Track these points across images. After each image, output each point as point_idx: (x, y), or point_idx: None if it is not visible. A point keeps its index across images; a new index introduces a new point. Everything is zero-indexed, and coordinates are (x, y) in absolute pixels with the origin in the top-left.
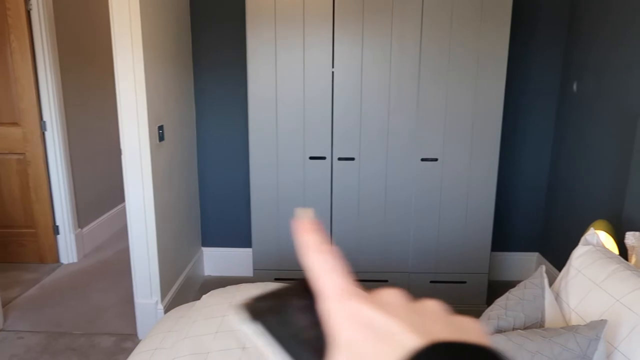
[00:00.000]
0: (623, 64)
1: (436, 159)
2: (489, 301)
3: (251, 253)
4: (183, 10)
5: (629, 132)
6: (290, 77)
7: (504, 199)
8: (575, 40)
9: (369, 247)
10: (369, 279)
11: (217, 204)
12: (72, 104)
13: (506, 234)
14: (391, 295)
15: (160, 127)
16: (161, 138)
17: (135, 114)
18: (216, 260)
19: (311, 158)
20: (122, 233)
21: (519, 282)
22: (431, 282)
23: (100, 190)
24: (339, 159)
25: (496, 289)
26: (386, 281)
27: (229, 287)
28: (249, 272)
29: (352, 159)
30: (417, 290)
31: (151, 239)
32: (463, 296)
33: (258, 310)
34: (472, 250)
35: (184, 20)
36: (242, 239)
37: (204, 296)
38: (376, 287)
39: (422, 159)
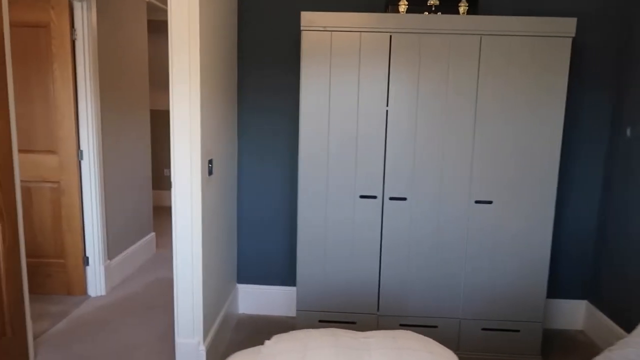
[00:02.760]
0: None
1: (491, 202)
2: (544, 352)
3: (289, 291)
4: (232, 48)
5: None
6: (344, 113)
7: (552, 244)
8: (627, 85)
9: (419, 291)
10: (418, 324)
11: (255, 239)
12: (107, 133)
13: (554, 280)
14: None
15: (210, 161)
16: (210, 172)
17: (189, 148)
18: (251, 297)
19: (362, 197)
20: (148, 266)
21: (572, 331)
22: (483, 329)
23: (128, 221)
24: (391, 198)
25: (549, 338)
26: (436, 327)
27: (295, 333)
28: (286, 311)
29: (404, 199)
30: (468, 338)
31: (197, 274)
32: (516, 346)
33: None
34: (525, 297)
35: (232, 57)
36: (280, 276)
37: (268, 342)
38: (426, 332)
39: (476, 202)
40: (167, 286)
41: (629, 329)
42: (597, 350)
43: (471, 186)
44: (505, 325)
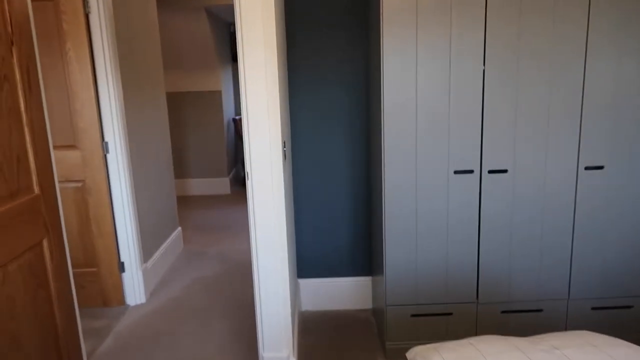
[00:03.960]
0: None
1: (602, 167)
2: None
3: (360, 282)
4: (283, 18)
5: None
6: (434, 75)
7: None
8: None
9: (522, 273)
10: (521, 309)
11: (314, 228)
12: (131, 120)
13: None
14: None
15: (284, 145)
16: (284, 157)
17: (268, 133)
18: (314, 292)
19: (456, 172)
20: (180, 265)
21: None
22: (593, 308)
23: (159, 217)
24: (490, 171)
25: None
26: (541, 310)
27: (505, 338)
28: (358, 303)
29: (505, 171)
30: (577, 319)
31: (283, 280)
32: (628, 323)
33: None
34: (638, 269)
35: (283, 26)
36: (349, 267)
37: (472, 339)
38: (530, 317)
39: (586, 168)
40: (206, 287)
41: None
42: None
43: (580, 151)
44: (618, 302)
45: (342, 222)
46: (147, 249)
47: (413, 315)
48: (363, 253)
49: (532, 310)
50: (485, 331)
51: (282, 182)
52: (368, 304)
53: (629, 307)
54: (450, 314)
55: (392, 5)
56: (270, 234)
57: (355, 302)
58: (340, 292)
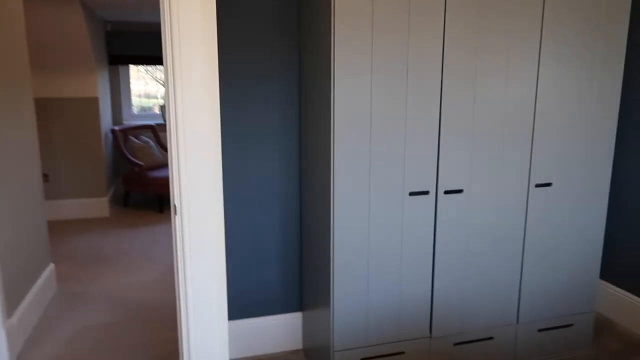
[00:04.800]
0: None
1: (550, 184)
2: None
3: (291, 320)
4: None
5: None
6: (389, 92)
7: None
8: None
9: (475, 301)
10: (473, 340)
11: (241, 262)
12: None
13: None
14: None
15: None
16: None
17: (208, 151)
18: (239, 336)
19: (412, 194)
20: (55, 310)
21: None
22: (539, 330)
23: (25, 255)
24: (446, 192)
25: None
26: (492, 338)
27: None
28: (291, 343)
29: (460, 190)
30: (525, 343)
31: (219, 322)
32: (569, 339)
33: None
34: (579, 286)
35: None
36: (274, 304)
37: None
38: (482, 346)
39: (537, 185)
40: (96, 340)
41: None
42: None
43: (532, 168)
44: (561, 321)
45: (271, 254)
46: (12, 299)
47: (364, 359)
48: (293, 286)
49: (484, 339)
50: None
51: (222, 213)
52: (299, 344)
53: (570, 325)
54: (402, 352)
55: (345, 19)
56: (208, 284)
57: (285, 343)
58: (269, 333)
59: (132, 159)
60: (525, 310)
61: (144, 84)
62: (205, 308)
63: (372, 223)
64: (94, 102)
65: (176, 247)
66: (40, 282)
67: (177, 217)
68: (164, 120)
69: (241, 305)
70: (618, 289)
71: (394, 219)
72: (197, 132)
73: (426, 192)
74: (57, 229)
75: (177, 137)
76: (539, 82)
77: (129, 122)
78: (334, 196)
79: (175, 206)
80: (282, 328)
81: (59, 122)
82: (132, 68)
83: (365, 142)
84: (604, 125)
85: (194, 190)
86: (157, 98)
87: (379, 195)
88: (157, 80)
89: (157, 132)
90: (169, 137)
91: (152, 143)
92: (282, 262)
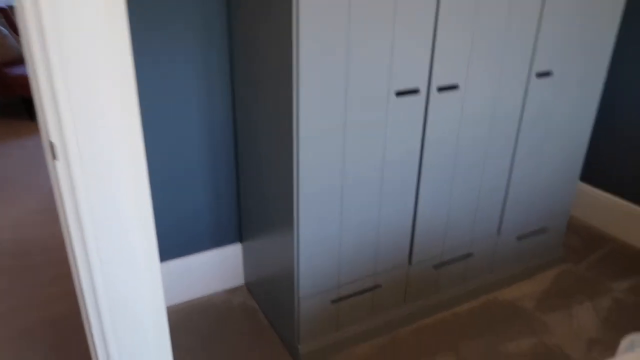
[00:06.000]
0: None
1: (549, 73)
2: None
3: (230, 253)
4: None
5: None
6: None
7: None
8: None
9: (458, 219)
10: (453, 258)
11: (163, 187)
12: None
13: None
14: None
15: None
16: None
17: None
18: (171, 280)
19: (399, 94)
20: None
21: None
22: (518, 238)
23: None
24: (439, 89)
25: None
26: (471, 254)
27: None
28: (232, 280)
29: (455, 87)
30: (504, 253)
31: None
32: (546, 245)
33: None
34: (559, 187)
35: None
36: (210, 236)
37: None
38: (462, 264)
39: (538, 74)
40: None
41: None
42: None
43: (535, 54)
44: (537, 225)
45: (198, 176)
46: None
47: (334, 301)
48: (229, 216)
49: (463, 256)
50: (416, 296)
51: (141, 145)
52: (240, 279)
53: (545, 229)
54: (379, 286)
55: None
56: (121, 235)
57: (225, 281)
58: (205, 272)
59: None
60: (509, 218)
61: None
62: (122, 251)
63: (348, 134)
64: None
65: (63, 204)
66: None
67: (60, 164)
68: None
69: (168, 245)
70: (595, 189)
71: (376, 128)
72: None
73: (416, 91)
74: None
75: (40, 16)
76: None
77: None
78: (299, 104)
79: (53, 145)
80: (219, 264)
81: None
82: None
83: (340, 29)
84: (609, 9)
85: (87, 118)
86: None
87: (357, 99)
88: None
89: (10, 15)
90: (20, 21)
91: (5, 31)
92: (212, 189)
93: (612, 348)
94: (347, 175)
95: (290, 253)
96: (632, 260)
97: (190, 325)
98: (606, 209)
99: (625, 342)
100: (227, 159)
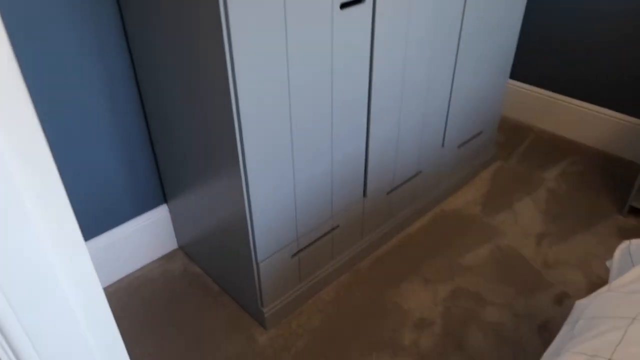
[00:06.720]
0: None
1: None
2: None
3: (155, 219)
4: None
5: None
6: None
7: None
8: None
9: (409, 135)
10: (403, 182)
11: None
12: None
13: None
14: None
15: None
16: None
17: None
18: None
19: (343, 6)
20: None
21: None
22: (459, 146)
23: None
24: None
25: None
26: (419, 172)
27: None
28: (164, 246)
29: None
30: (447, 162)
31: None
32: (483, 147)
33: None
34: (491, 89)
35: None
36: (131, 204)
37: None
38: (411, 184)
39: None
40: None
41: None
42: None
43: None
44: (474, 131)
45: (104, 141)
46: None
47: (294, 255)
48: (148, 176)
49: (413, 176)
50: (372, 226)
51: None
52: (173, 243)
53: (480, 133)
54: (337, 227)
55: None
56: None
57: (158, 247)
58: (133, 242)
59: None
60: (451, 128)
61: None
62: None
63: (291, 58)
64: None
65: None
66: None
67: None
68: None
69: (85, 223)
70: (517, 83)
71: (321, 47)
72: None
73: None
74: None
75: None
76: None
77: None
78: (230, 28)
79: None
80: (148, 231)
81: None
82: None
83: None
84: None
85: None
86: None
87: (297, 14)
88: None
89: None
90: None
91: None
92: (121, 150)
93: (559, 239)
94: (294, 114)
95: (239, 212)
96: (555, 147)
97: (132, 306)
98: (525, 102)
99: (618, 253)
100: (131, 110)
